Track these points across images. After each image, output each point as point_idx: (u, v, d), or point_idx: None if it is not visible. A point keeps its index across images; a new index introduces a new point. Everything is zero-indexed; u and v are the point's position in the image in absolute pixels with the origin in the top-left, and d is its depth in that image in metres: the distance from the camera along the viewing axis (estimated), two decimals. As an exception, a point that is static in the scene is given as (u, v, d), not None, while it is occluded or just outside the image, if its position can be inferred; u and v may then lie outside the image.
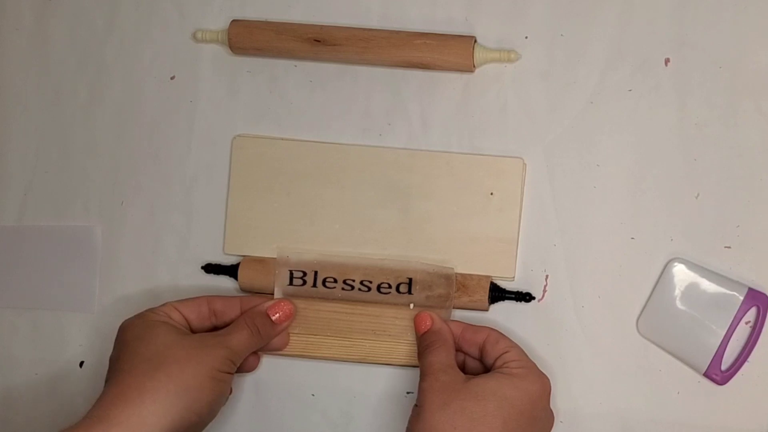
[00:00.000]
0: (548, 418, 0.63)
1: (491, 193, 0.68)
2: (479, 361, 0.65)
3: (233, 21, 0.71)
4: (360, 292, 0.68)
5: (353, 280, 0.68)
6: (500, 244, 0.67)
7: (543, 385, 0.61)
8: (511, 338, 0.64)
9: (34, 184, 0.74)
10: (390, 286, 0.67)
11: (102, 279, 0.73)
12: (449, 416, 0.58)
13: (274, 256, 0.70)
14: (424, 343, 0.65)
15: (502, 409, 0.59)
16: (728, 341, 0.64)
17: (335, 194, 0.70)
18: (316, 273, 0.68)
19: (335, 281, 0.68)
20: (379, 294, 0.68)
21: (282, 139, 0.71)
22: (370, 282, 0.67)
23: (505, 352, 0.63)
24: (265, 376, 0.70)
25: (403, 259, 0.68)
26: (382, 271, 0.68)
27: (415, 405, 0.61)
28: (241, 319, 0.65)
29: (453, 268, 0.67)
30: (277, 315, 0.66)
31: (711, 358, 0.64)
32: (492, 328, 0.65)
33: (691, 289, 0.65)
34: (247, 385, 0.70)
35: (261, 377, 0.70)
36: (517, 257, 0.68)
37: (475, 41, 0.68)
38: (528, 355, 0.63)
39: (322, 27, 0.70)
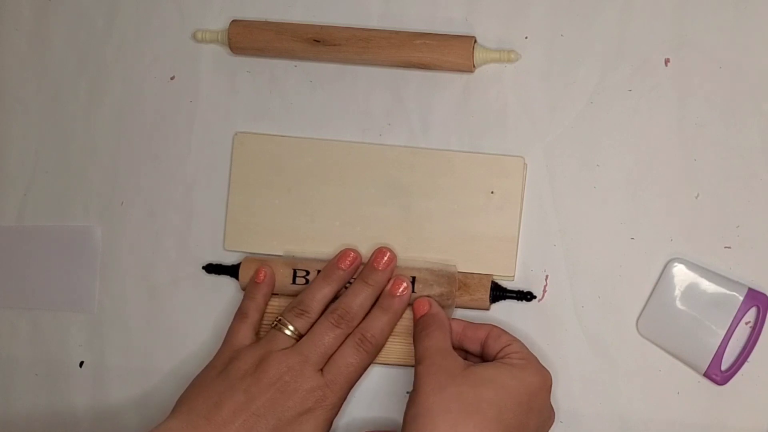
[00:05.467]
0: (548, 412, 0.62)
1: (492, 192, 0.68)
2: (480, 358, 0.65)
3: (233, 21, 0.71)
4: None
5: (355, 279, 0.67)
6: (500, 242, 0.68)
7: (543, 378, 0.61)
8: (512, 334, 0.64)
9: (34, 184, 0.74)
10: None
11: (102, 279, 0.73)
12: (444, 400, 0.58)
13: (275, 254, 0.70)
14: (419, 326, 0.65)
15: (498, 397, 0.58)
16: (728, 341, 0.64)
17: (336, 191, 0.70)
18: (318, 272, 0.68)
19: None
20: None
21: (283, 135, 0.71)
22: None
23: (507, 345, 0.63)
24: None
25: (406, 259, 0.68)
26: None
27: (409, 392, 0.61)
28: None
29: (455, 266, 0.67)
30: None
31: (711, 358, 0.64)
32: (494, 325, 0.65)
33: (691, 289, 0.65)
34: (247, 385, 0.70)
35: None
36: (517, 257, 0.68)
37: (475, 41, 0.68)
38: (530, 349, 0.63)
39: (322, 27, 0.70)
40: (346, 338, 0.65)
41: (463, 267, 0.68)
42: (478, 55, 0.68)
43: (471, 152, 0.69)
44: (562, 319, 0.67)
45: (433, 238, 0.68)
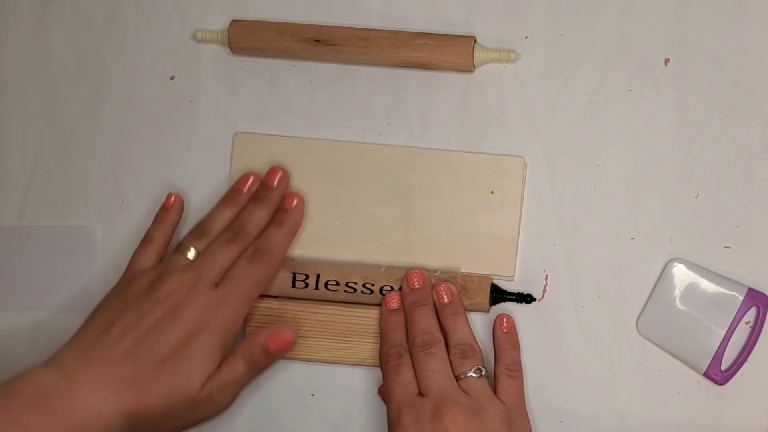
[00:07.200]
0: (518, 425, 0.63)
1: (492, 192, 0.68)
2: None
3: (233, 21, 0.71)
4: (363, 294, 0.68)
5: (355, 283, 0.67)
6: (500, 242, 0.67)
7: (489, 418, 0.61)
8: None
9: (34, 184, 0.74)
10: (392, 289, 0.67)
11: (102, 279, 0.73)
12: None
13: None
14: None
15: None
16: (728, 341, 0.64)
17: (336, 191, 0.69)
18: (318, 276, 0.68)
19: (337, 284, 0.68)
20: (381, 296, 0.67)
21: (283, 135, 0.71)
22: (372, 285, 0.67)
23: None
24: (265, 377, 0.70)
25: (407, 265, 0.68)
26: (385, 275, 0.68)
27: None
28: (237, 351, 0.64)
29: (459, 269, 0.67)
30: (275, 347, 0.64)
31: (711, 358, 0.64)
32: (505, 351, 0.66)
33: (691, 289, 0.65)
34: (248, 385, 0.70)
35: (261, 377, 0.70)
36: (517, 257, 0.68)
37: (475, 41, 0.68)
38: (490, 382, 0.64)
39: (322, 27, 0.70)
40: (241, 253, 0.65)
41: (463, 267, 0.67)
42: (478, 55, 0.68)
43: (471, 152, 0.69)
44: (562, 319, 0.67)
45: (433, 238, 0.68)
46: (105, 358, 0.60)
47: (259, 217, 0.67)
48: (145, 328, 0.61)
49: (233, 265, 0.65)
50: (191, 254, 0.65)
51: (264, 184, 0.68)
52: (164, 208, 0.70)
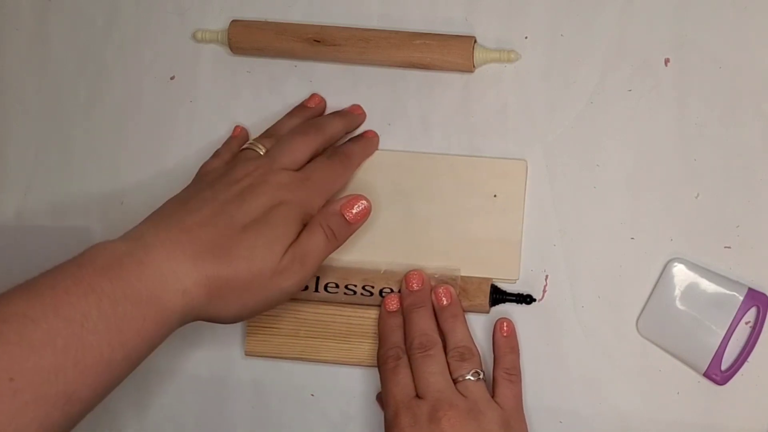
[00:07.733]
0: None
1: (495, 196, 0.68)
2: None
3: (233, 21, 0.71)
4: (362, 296, 0.67)
5: (355, 285, 0.67)
6: (504, 246, 0.67)
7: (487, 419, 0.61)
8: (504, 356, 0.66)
9: (33, 184, 0.74)
10: (392, 291, 0.67)
11: (102, 279, 0.73)
12: None
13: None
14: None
15: None
16: (728, 341, 0.64)
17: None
18: (318, 278, 0.68)
19: (337, 286, 0.68)
20: (381, 298, 0.67)
21: (283, 138, 0.71)
22: (372, 287, 0.67)
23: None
24: (265, 377, 0.70)
25: (406, 266, 0.68)
26: (384, 277, 0.67)
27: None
28: (314, 220, 0.62)
29: (458, 269, 0.67)
30: (352, 213, 0.63)
31: (711, 358, 0.64)
32: (504, 354, 0.66)
33: (691, 289, 0.65)
34: (247, 385, 0.70)
35: (261, 377, 0.70)
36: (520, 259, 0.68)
37: (475, 41, 0.68)
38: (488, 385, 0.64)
39: (322, 27, 0.70)
40: (315, 153, 0.65)
41: (467, 271, 0.67)
42: (478, 55, 0.68)
43: (473, 156, 0.69)
44: (562, 319, 0.67)
45: (436, 243, 0.68)
46: (181, 226, 0.58)
47: (334, 122, 0.68)
48: (224, 200, 0.60)
49: (311, 161, 0.65)
50: (261, 151, 0.65)
51: (344, 110, 0.70)
52: (231, 138, 0.70)
